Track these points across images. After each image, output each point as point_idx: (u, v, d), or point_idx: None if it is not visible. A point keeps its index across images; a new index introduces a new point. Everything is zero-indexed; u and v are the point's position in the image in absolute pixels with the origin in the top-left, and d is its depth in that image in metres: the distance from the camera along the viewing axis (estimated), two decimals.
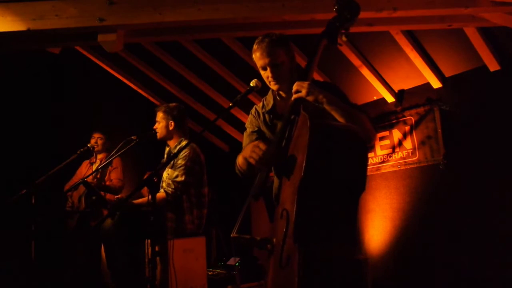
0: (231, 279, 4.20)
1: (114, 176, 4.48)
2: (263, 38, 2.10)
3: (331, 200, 1.59)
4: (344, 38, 2.00)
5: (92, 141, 4.51)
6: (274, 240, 1.72)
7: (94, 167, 4.51)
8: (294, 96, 1.85)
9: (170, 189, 3.26)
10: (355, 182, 1.63)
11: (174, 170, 3.32)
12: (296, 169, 1.63)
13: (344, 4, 1.93)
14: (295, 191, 1.57)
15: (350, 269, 1.51)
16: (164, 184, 3.33)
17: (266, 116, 2.28)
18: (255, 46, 2.12)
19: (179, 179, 3.27)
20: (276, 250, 1.69)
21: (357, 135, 1.69)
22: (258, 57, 2.10)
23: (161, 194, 3.27)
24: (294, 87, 1.86)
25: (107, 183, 4.40)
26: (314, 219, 1.55)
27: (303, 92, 1.83)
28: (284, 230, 1.59)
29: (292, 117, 1.83)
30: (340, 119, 1.85)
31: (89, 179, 4.04)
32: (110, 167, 4.47)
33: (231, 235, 1.77)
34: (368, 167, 1.63)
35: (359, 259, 1.54)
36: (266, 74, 2.12)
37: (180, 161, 3.32)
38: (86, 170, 4.59)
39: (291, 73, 2.15)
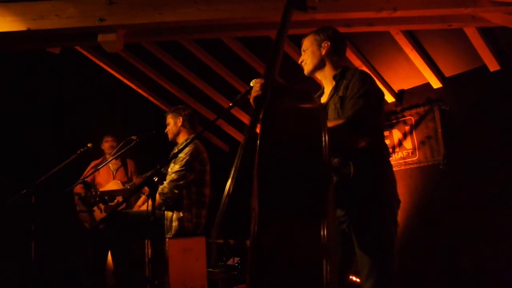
0: (231, 279, 4.19)
1: (134, 179, 4.56)
2: None
3: (292, 194, 1.48)
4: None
5: (106, 144, 4.62)
6: (248, 242, 1.62)
7: (112, 167, 4.61)
8: (252, 95, 1.74)
9: (165, 190, 3.26)
10: (314, 168, 1.48)
11: (175, 164, 3.34)
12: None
13: None
14: (255, 187, 1.48)
15: (312, 268, 1.45)
16: (165, 182, 3.34)
17: None
18: None
19: (176, 175, 3.27)
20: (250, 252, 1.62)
21: (311, 117, 1.55)
22: None
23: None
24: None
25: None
26: (275, 218, 1.45)
27: (259, 90, 1.70)
28: (252, 230, 1.50)
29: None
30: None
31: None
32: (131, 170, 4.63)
33: (209, 240, 1.64)
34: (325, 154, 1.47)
35: (322, 258, 1.47)
36: None
37: (181, 155, 3.34)
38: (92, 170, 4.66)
39: (324, 61, 2.32)
